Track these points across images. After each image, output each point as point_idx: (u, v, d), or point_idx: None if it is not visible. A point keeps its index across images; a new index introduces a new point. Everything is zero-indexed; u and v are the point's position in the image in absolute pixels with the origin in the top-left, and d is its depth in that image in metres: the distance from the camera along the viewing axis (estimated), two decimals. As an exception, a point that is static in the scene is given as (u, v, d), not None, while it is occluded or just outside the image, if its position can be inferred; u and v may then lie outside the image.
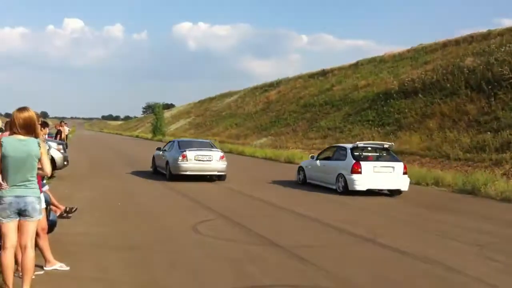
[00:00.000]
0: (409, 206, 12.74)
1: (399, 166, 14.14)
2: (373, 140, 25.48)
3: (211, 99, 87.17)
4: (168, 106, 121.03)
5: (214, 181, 16.71)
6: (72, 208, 9.39)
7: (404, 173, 14.15)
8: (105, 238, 7.91)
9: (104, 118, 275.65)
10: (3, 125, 5.75)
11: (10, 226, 4.86)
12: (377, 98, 34.90)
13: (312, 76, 57.62)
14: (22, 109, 4.98)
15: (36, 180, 5.02)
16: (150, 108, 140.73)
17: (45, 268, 5.96)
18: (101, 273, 6.01)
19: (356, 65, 50.45)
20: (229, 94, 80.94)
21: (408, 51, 45.46)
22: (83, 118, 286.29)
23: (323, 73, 55.68)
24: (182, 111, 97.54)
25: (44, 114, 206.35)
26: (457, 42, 38.07)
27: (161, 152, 18.22)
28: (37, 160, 4.95)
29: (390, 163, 14.21)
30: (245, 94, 72.21)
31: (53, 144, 16.25)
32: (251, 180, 18.03)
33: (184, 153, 16.30)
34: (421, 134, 25.91)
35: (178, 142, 18.19)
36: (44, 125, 8.10)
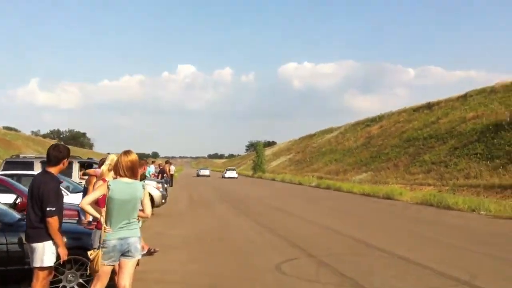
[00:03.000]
0: None
1: (235, 171, 67.66)
2: (480, 174, 27.24)
3: (311, 136, 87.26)
4: (270, 144, 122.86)
5: (301, 217, 16.54)
6: (153, 250, 9.21)
7: (237, 173, 67.49)
8: (190, 276, 7.85)
9: (210, 156, 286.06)
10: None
11: (107, 270, 4.86)
12: (486, 130, 32.83)
13: (416, 109, 55.68)
14: (127, 153, 4.99)
15: (137, 221, 5.00)
16: (252, 146, 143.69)
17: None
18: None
19: (464, 97, 47.96)
20: (330, 130, 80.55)
21: (522, 80, 42.63)
22: (191, 157, 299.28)
23: (429, 106, 53.58)
24: (283, 148, 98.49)
25: (155, 154, 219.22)
26: None
27: (196, 170, 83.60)
28: (140, 202, 4.94)
29: (234, 171, 66.94)
30: (346, 130, 71.44)
31: (153, 183, 16.88)
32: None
33: (198, 170, 77.47)
34: (536, 168, 23.87)
35: (200, 168, 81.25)
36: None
